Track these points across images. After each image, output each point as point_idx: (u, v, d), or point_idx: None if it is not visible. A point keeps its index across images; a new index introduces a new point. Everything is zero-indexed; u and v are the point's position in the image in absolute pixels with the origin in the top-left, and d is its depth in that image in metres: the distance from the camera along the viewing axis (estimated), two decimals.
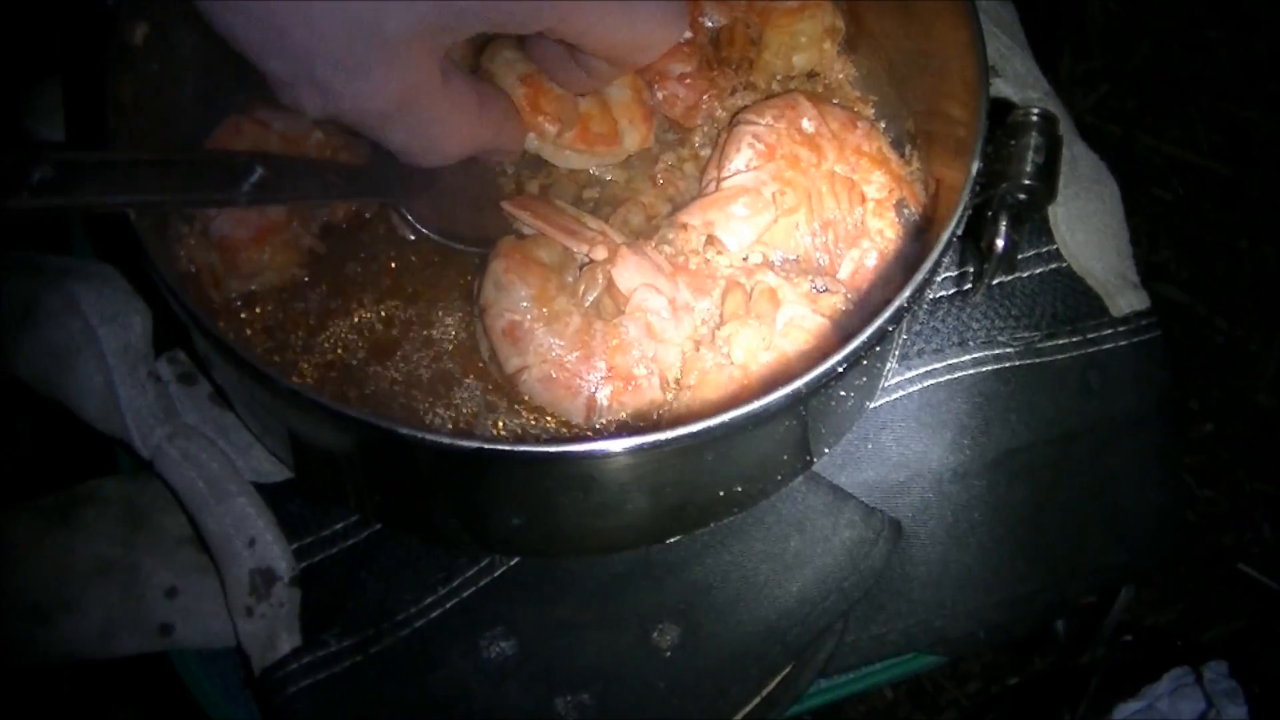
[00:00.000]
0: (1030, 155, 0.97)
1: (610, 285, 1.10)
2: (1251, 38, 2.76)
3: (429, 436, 0.85)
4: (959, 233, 0.97)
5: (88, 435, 1.16)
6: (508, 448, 0.86)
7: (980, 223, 0.99)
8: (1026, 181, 0.96)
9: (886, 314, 0.91)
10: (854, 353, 0.89)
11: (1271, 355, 2.51)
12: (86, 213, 1.20)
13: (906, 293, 0.92)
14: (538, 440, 1.09)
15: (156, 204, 1.01)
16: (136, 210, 0.93)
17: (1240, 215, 2.64)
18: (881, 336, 0.91)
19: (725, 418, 0.86)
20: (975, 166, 0.98)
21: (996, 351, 1.19)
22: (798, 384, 0.87)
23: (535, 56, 1.15)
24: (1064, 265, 1.25)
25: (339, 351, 1.13)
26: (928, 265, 0.93)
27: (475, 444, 0.85)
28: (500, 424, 1.11)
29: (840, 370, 0.89)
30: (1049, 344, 1.21)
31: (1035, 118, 0.98)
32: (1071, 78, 2.71)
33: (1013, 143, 0.98)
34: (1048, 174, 0.97)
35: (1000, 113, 1.01)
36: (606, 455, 0.87)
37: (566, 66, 1.12)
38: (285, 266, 1.16)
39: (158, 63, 1.08)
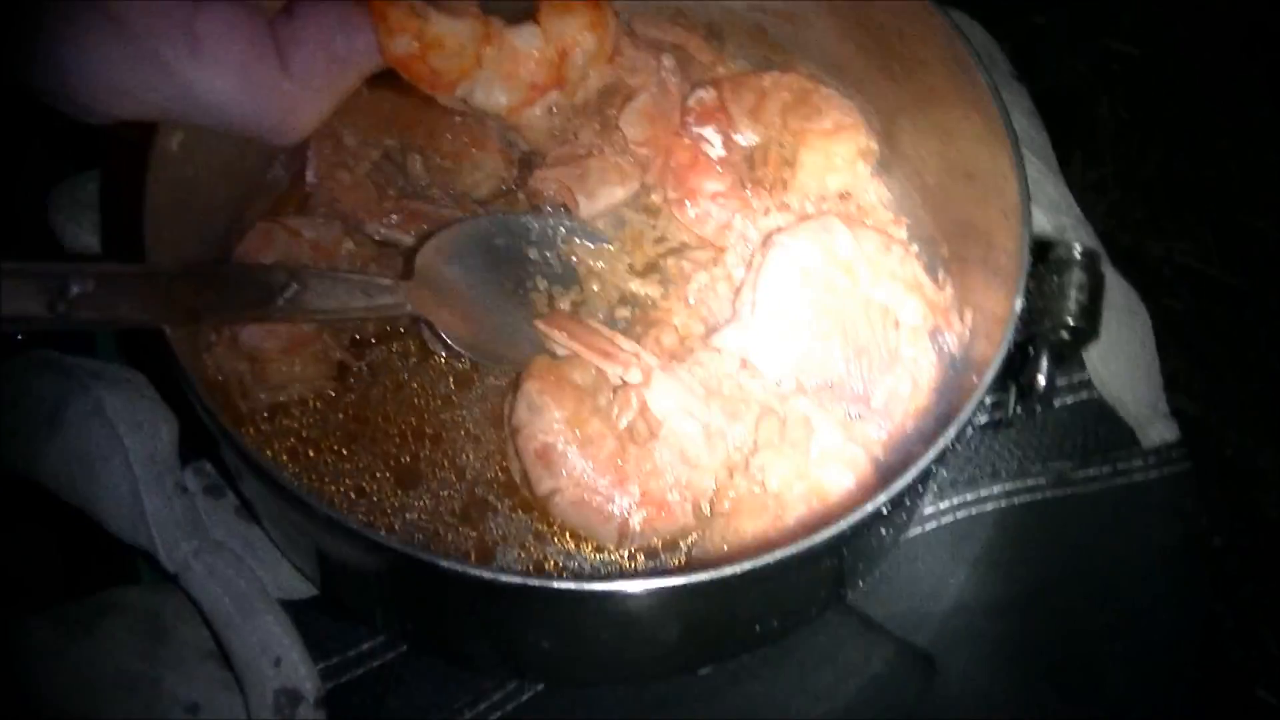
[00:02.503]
0: (1074, 294, 0.95)
1: (643, 408, 1.09)
2: (1261, 147, 2.78)
3: (470, 570, 0.84)
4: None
5: (108, 541, 1.14)
6: (538, 583, 0.84)
7: (1020, 357, 0.98)
8: (1070, 321, 0.94)
9: (930, 455, 0.90)
10: (897, 494, 0.88)
11: None
12: (123, 328, 1.19)
13: (951, 432, 0.91)
14: (566, 576, 1.08)
15: (193, 321, 1.01)
16: (172, 327, 0.93)
17: (1249, 326, 2.63)
18: (925, 476, 0.90)
19: (769, 558, 0.84)
20: (1019, 304, 0.96)
21: (1029, 482, 1.18)
22: (841, 526, 0.86)
23: None
24: (1095, 395, 1.24)
25: (366, 480, 1.13)
26: (970, 406, 0.92)
27: (515, 579, 0.83)
28: (530, 548, 1.09)
29: (884, 512, 0.88)
30: (1080, 474, 1.21)
31: (1079, 255, 0.97)
32: (1084, 184, 2.71)
33: (1056, 279, 0.96)
34: (1091, 313, 0.95)
35: (1038, 245, 1.00)
36: (626, 596, 0.85)
37: None
38: (314, 379, 1.15)
39: (192, 168, 1.07)
